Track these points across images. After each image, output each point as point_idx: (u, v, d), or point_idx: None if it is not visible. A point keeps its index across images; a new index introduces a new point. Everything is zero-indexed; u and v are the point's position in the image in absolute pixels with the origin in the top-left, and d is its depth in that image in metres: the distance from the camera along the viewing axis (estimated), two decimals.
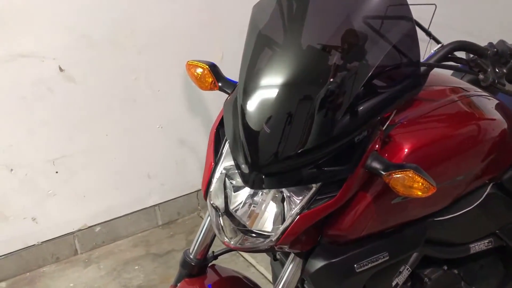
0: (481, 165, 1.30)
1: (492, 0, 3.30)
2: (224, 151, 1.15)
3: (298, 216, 1.04)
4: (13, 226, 2.33)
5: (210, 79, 1.27)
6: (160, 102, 2.52)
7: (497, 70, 1.17)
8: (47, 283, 2.35)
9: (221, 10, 2.45)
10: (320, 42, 1.08)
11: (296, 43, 1.09)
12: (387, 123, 1.16)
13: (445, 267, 1.43)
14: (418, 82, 1.07)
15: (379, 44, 1.05)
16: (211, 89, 1.28)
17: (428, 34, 1.53)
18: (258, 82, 1.05)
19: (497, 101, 1.37)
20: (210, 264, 1.39)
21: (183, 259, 1.35)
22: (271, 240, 1.08)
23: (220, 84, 1.27)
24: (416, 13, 1.68)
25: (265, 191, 1.12)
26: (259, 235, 1.11)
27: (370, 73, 1.02)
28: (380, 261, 1.18)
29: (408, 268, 1.33)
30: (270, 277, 2.12)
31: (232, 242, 1.11)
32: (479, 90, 1.38)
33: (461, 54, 1.23)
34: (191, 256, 1.33)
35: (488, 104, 1.34)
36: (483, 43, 1.25)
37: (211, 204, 1.12)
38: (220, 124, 1.19)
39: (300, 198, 1.06)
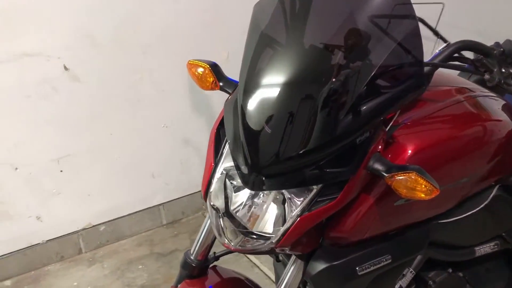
0: (487, 166, 1.28)
1: None
2: (225, 151, 1.14)
3: (299, 218, 1.03)
4: (17, 225, 2.34)
5: (211, 79, 1.25)
6: (165, 102, 2.51)
7: (503, 70, 1.15)
8: (51, 281, 2.35)
9: (225, 9, 2.44)
10: (323, 41, 1.06)
11: (298, 42, 1.08)
12: (391, 124, 1.14)
13: (450, 270, 1.41)
14: (422, 82, 1.05)
15: (382, 44, 1.03)
16: (212, 88, 1.27)
17: (436, 33, 1.51)
18: (259, 82, 1.03)
19: (503, 102, 1.35)
20: (211, 265, 1.38)
21: (184, 260, 1.34)
22: (272, 242, 1.06)
23: (221, 83, 1.25)
24: (424, 12, 1.66)
25: (265, 192, 1.11)
26: (259, 236, 1.10)
27: (373, 73, 1.00)
28: (382, 264, 1.16)
29: (411, 271, 1.31)
30: (274, 277, 2.11)
31: (232, 244, 1.10)
32: (486, 90, 1.35)
33: (468, 54, 1.21)
34: (192, 257, 1.32)
35: (495, 104, 1.32)
36: (492, 42, 1.23)
37: (211, 205, 1.11)
38: (221, 124, 1.18)
39: (301, 199, 1.04)
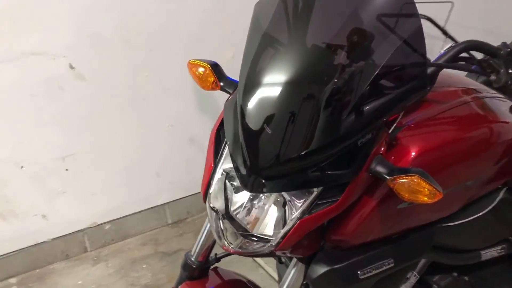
0: (493, 169, 1.25)
1: None
2: (224, 152, 1.13)
3: (299, 221, 1.01)
4: (23, 223, 2.34)
5: (212, 79, 1.24)
6: (170, 101, 2.50)
7: (510, 71, 1.12)
8: (56, 279, 2.36)
9: (232, 8, 2.43)
10: (325, 40, 1.05)
11: (300, 41, 1.06)
12: (394, 126, 1.12)
13: (455, 274, 1.39)
14: (425, 83, 1.03)
15: (385, 44, 1.01)
16: (212, 88, 1.25)
17: (444, 32, 1.49)
18: (259, 81, 1.02)
19: (511, 103, 1.32)
20: (212, 267, 1.37)
21: (184, 261, 1.33)
22: (271, 244, 1.05)
23: (221, 83, 1.24)
24: (432, 11, 1.63)
25: (266, 194, 1.09)
26: (260, 239, 1.09)
27: (375, 73, 0.98)
28: (384, 267, 1.14)
29: (415, 275, 1.30)
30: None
31: (231, 246, 1.09)
32: (493, 91, 1.33)
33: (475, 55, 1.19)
34: (193, 259, 1.31)
35: (502, 106, 1.29)
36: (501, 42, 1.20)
37: (211, 207, 1.10)
38: (221, 125, 1.17)
39: (301, 202, 1.03)
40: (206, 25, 2.42)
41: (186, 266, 1.32)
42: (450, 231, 1.26)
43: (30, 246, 2.39)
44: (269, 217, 1.10)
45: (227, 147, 1.09)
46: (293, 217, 1.02)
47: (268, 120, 0.98)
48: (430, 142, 1.11)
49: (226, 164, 1.12)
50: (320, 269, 1.13)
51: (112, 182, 2.51)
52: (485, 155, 1.20)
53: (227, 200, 1.11)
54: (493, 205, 1.32)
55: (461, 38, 1.27)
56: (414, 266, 1.29)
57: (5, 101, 2.13)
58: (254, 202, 1.11)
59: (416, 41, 0.99)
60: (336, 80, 0.98)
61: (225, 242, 1.09)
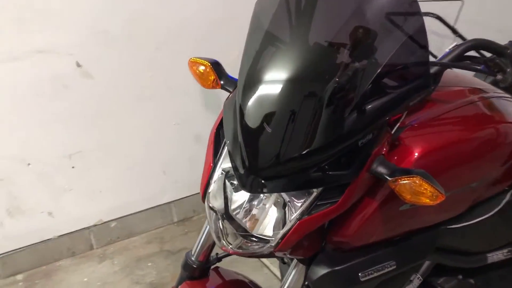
0: (499, 170, 1.23)
1: None
2: (224, 152, 1.11)
3: (298, 222, 1.00)
4: (30, 220, 2.36)
5: (212, 77, 1.23)
6: (176, 99, 2.50)
7: None
8: (62, 276, 2.37)
9: (238, 8, 2.41)
10: (327, 38, 1.03)
11: (302, 39, 1.04)
12: (397, 126, 1.10)
13: (460, 277, 1.36)
14: (428, 82, 1.00)
15: (387, 42, 0.99)
16: (213, 87, 1.24)
17: (454, 31, 1.46)
18: (259, 80, 1.00)
19: None
20: (213, 267, 1.35)
21: (185, 261, 1.32)
22: (271, 245, 1.03)
23: (222, 82, 1.23)
24: (442, 9, 1.61)
25: (266, 194, 1.08)
26: (259, 240, 1.07)
27: (377, 72, 0.96)
28: (386, 270, 1.12)
29: (419, 277, 1.27)
30: None
31: (230, 247, 1.08)
32: (500, 91, 1.30)
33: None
34: (193, 258, 1.30)
35: (509, 106, 1.27)
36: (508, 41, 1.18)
37: (209, 206, 1.09)
38: (221, 125, 1.16)
39: (300, 203, 1.01)
40: (213, 24, 2.41)
41: (186, 266, 1.31)
42: (454, 233, 1.23)
43: (36, 243, 2.40)
44: (269, 217, 1.08)
45: (227, 147, 1.08)
46: (292, 218, 1.01)
47: (268, 118, 0.96)
48: (433, 142, 1.09)
49: (225, 163, 1.11)
50: (321, 271, 1.11)
51: (118, 180, 2.51)
52: (491, 156, 1.18)
53: (226, 199, 1.09)
54: (499, 207, 1.29)
55: (470, 36, 1.24)
56: (418, 268, 1.26)
57: (12, 99, 2.15)
58: (254, 202, 1.09)
59: (419, 40, 0.97)
60: (338, 78, 0.96)
61: (224, 242, 1.08)
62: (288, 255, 1.10)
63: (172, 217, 2.70)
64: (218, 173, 1.10)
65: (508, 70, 1.09)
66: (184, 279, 1.31)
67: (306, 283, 1.17)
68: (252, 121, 0.97)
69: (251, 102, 0.99)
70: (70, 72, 2.23)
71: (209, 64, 1.23)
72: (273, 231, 1.06)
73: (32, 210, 2.35)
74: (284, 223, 1.05)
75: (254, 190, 0.99)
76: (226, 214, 1.09)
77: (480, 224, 1.27)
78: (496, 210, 1.29)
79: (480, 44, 1.10)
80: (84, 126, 2.34)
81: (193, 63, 1.25)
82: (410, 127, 1.10)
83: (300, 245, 1.09)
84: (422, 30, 0.97)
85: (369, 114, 0.98)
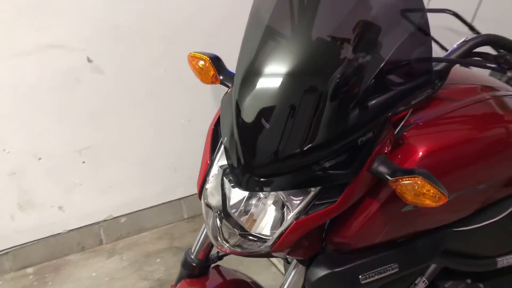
0: (510, 172, 1.18)
1: None
2: (221, 149, 1.09)
3: (295, 222, 0.97)
4: (40, 214, 2.37)
5: (212, 72, 1.20)
6: (187, 96, 2.48)
7: None
8: (71, 271, 2.38)
9: (249, 3, 2.38)
10: (329, 32, 0.99)
11: (303, 33, 1.00)
12: (402, 124, 1.07)
13: (469, 281, 1.32)
14: (431, 79, 0.96)
15: (390, 37, 0.96)
16: (212, 82, 1.22)
17: (471, 28, 1.42)
18: (258, 74, 0.97)
19: None
20: (214, 265, 1.33)
21: (184, 259, 1.30)
22: (267, 245, 1.01)
23: (221, 77, 1.20)
24: (460, 6, 1.56)
25: (265, 192, 1.05)
26: (257, 239, 1.05)
27: (379, 67, 0.93)
28: (388, 272, 1.09)
29: (424, 281, 1.24)
30: None
31: (227, 245, 1.05)
32: None
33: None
34: (192, 256, 1.29)
35: None
36: None
37: (206, 204, 1.07)
38: (219, 121, 1.13)
39: (298, 202, 0.98)
40: (224, 20, 2.39)
41: (186, 264, 1.29)
42: (462, 236, 1.19)
43: (47, 237, 2.42)
44: (268, 216, 1.06)
45: (223, 144, 1.06)
46: (289, 217, 0.98)
47: (267, 113, 0.93)
48: (439, 141, 1.05)
49: (222, 160, 1.08)
50: (320, 272, 1.08)
51: (128, 176, 2.51)
52: (500, 157, 1.13)
53: (224, 197, 1.07)
54: (510, 209, 1.25)
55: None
56: (423, 271, 1.23)
57: (23, 94, 2.16)
58: (252, 201, 1.07)
59: (422, 36, 0.93)
60: (340, 73, 0.92)
61: (221, 241, 1.06)
62: (287, 256, 1.08)
63: (182, 213, 2.69)
64: (215, 170, 1.08)
65: None
66: (184, 277, 1.30)
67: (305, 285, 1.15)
68: (249, 117, 0.94)
69: (248, 97, 0.96)
70: (81, 67, 2.23)
71: (209, 58, 1.21)
72: (271, 230, 1.04)
73: (42, 204, 2.37)
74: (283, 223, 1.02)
75: (250, 188, 0.97)
76: (224, 212, 1.07)
77: (490, 227, 1.22)
78: (506, 212, 1.24)
79: (490, 40, 1.05)
80: (95, 121, 2.34)
81: (192, 58, 1.23)
82: (415, 125, 1.07)
83: (300, 245, 1.06)
84: (425, 26, 0.93)
85: (370, 110, 0.94)
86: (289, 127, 0.92)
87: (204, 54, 1.22)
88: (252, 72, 0.98)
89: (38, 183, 2.32)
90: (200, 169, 1.11)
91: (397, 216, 1.05)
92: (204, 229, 1.29)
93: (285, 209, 1.03)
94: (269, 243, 1.00)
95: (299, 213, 0.97)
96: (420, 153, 1.02)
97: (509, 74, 1.05)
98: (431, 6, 1.77)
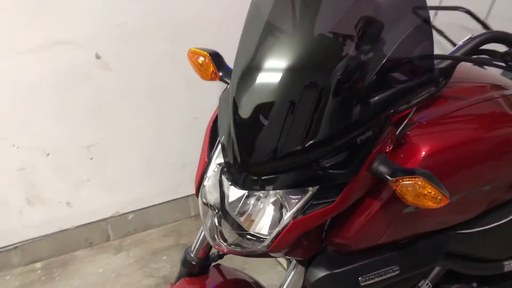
0: None
1: None
2: (219, 147, 1.07)
3: (291, 221, 0.95)
4: (48, 209, 2.38)
5: (211, 69, 1.19)
6: (195, 93, 2.47)
7: None
8: (78, 266, 2.39)
9: None
10: (330, 28, 0.97)
11: (304, 28, 0.98)
12: (405, 123, 1.04)
13: (475, 285, 1.29)
14: (433, 76, 0.93)
15: (391, 34, 0.93)
16: (211, 79, 1.20)
17: (484, 26, 1.39)
18: (257, 70, 0.95)
19: None
20: (214, 264, 1.32)
21: (184, 257, 1.29)
22: (264, 245, 0.99)
23: (220, 73, 1.19)
24: (474, 4, 1.52)
25: (264, 191, 1.03)
26: (256, 238, 1.03)
27: (380, 64, 0.90)
28: (389, 275, 1.06)
29: (428, 283, 1.21)
30: None
31: (224, 245, 1.04)
32: None
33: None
34: (192, 255, 1.27)
35: None
36: None
37: (203, 202, 1.05)
38: (217, 119, 1.12)
39: (296, 201, 0.96)
40: (231, 18, 2.37)
41: (185, 262, 1.28)
42: (467, 238, 1.16)
43: (55, 232, 2.43)
44: (267, 216, 1.04)
45: (220, 141, 1.04)
46: (286, 217, 0.96)
47: (265, 110, 0.91)
48: (442, 141, 1.02)
49: (220, 158, 1.07)
50: (319, 273, 1.06)
51: (136, 172, 2.51)
52: (506, 158, 1.10)
53: (223, 195, 1.05)
54: None
55: None
56: (427, 274, 1.20)
57: (32, 90, 2.17)
58: (251, 199, 1.05)
59: (423, 33, 0.90)
60: (342, 68, 0.90)
61: (219, 241, 1.04)
62: (285, 256, 1.06)
63: (189, 211, 2.69)
64: (212, 168, 1.06)
65: None
66: (183, 276, 1.28)
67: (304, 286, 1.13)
68: (247, 114, 0.93)
69: (246, 93, 0.94)
70: (89, 63, 2.24)
71: (209, 55, 1.19)
72: (269, 230, 1.02)
73: (51, 200, 2.38)
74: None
75: (247, 187, 0.96)
76: (222, 210, 1.05)
77: (496, 230, 1.19)
78: None
79: (497, 37, 1.02)
80: (103, 117, 2.34)
81: (192, 54, 1.22)
82: (418, 124, 1.04)
83: (299, 245, 1.04)
84: (427, 23, 0.90)
85: (371, 106, 0.92)
86: (288, 124, 0.90)
87: (204, 50, 1.21)
88: (250, 68, 0.96)
89: (46, 178, 2.34)
90: (198, 167, 1.10)
91: (398, 217, 1.03)
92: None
93: (283, 208, 1.01)
94: (266, 242, 0.99)
95: (297, 213, 0.95)
96: (423, 153, 0.99)
97: None
98: (444, 4, 1.74)
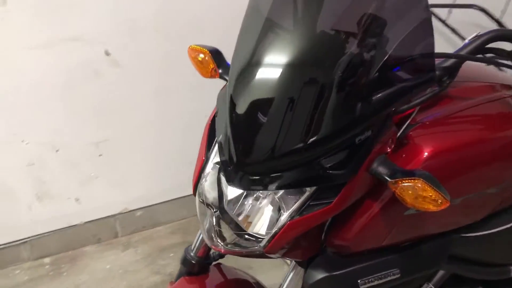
0: None
1: None
2: (217, 145, 1.06)
3: (288, 223, 0.93)
4: (57, 205, 2.40)
5: (211, 66, 1.17)
6: (205, 91, 2.46)
7: None
8: (86, 262, 2.40)
9: None
10: (331, 24, 0.95)
11: (305, 24, 0.96)
12: (407, 123, 1.01)
13: None
14: (433, 75, 0.90)
15: (393, 31, 0.91)
16: (212, 76, 1.19)
17: (500, 24, 1.35)
18: (256, 67, 0.93)
19: None
20: (215, 263, 1.31)
21: (184, 256, 1.28)
22: (260, 245, 0.98)
23: (220, 71, 1.17)
24: (489, 2, 1.48)
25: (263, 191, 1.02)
26: (256, 238, 1.02)
27: (383, 60, 0.88)
28: (389, 278, 1.04)
29: (431, 287, 1.18)
30: None
31: (222, 244, 1.03)
32: None
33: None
34: (192, 254, 1.26)
35: None
36: None
37: (200, 201, 1.04)
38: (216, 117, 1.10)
39: (293, 202, 0.95)
40: (240, 16, 2.35)
41: (185, 261, 1.27)
42: (471, 242, 1.13)
43: (63, 228, 2.44)
44: (265, 216, 1.02)
45: (218, 140, 1.03)
46: (282, 218, 0.95)
47: (263, 107, 0.89)
48: (446, 141, 0.99)
49: (218, 157, 1.05)
50: (318, 275, 1.04)
51: (145, 169, 2.52)
52: None
53: (221, 193, 1.04)
54: None
55: None
56: (431, 277, 1.17)
57: (42, 86, 2.18)
58: (250, 199, 1.03)
59: (424, 32, 0.87)
60: (343, 65, 0.88)
61: (216, 241, 1.03)
62: (284, 257, 1.04)
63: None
64: (210, 167, 1.05)
65: None
66: (183, 275, 1.27)
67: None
68: (244, 111, 0.91)
69: (244, 90, 0.92)
70: (99, 60, 2.24)
71: (209, 52, 1.17)
72: (267, 230, 1.00)
73: (60, 196, 2.39)
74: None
75: (243, 187, 0.94)
76: (221, 209, 1.03)
77: (503, 234, 1.16)
78: None
79: (503, 35, 0.99)
80: (112, 114, 2.35)
81: (192, 51, 1.20)
82: (421, 124, 1.01)
83: (297, 246, 1.03)
84: (428, 21, 0.87)
85: (372, 104, 0.89)
86: (288, 121, 0.88)
87: (204, 47, 1.19)
88: (249, 65, 0.94)
89: (55, 174, 2.35)
90: (195, 166, 1.09)
91: (399, 220, 1.00)
92: None
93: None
94: (263, 243, 0.97)
95: (293, 214, 0.93)
96: (425, 153, 0.97)
97: None
98: (458, 1, 1.70)
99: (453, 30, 1.70)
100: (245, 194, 1.04)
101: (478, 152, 1.01)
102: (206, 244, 1.27)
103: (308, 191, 0.93)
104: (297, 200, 0.94)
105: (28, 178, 2.31)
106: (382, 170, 0.90)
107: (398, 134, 1.00)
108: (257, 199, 1.03)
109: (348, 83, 0.89)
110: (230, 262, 1.37)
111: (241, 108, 0.91)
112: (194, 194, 1.07)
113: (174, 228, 2.59)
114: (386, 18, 0.91)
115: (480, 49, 1.00)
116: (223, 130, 0.97)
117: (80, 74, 2.23)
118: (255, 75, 0.92)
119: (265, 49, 0.94)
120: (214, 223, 1.04)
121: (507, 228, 1.16)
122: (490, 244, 1.16)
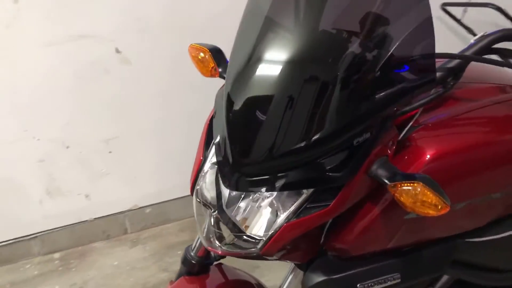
0: None
1: None
2: (215, 145, 1.05)
3: (284, 225, 0.92)
4: (68, 201, 2.42)
5: (212, 65, 1.16)
6: (215, 89, 2.45)
7: None
8: (95, 258, 2.42)
9: None
10: (334, 22, 0.93)
11: (306, 22, 0.94)
12: (410, 124, 0.99)
13: None
14: (433, 76, 0.88)
15: (395, 31, 0.88)
16: (212, 75, 1.18)
17: None
18: (255, 65, 0.91)
19: None
20: (216, 263, 1.30)
21: (184, 255, 1.27)
22: (257, 247, 0.96)
23: (220, 70, 1.16)
24: (505, 0, 1.44)
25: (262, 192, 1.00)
26: (254, 240, 1.00)
27: (384, 60, 0.86)
28: (389, 283, 1.02)
29: None
30: None
31: (219, 245, 1.02)
32: None
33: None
34: (192, 253, 1.25)
35: None
36: None
37: (198, 201, 1.03)
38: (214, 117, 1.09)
39: (289, 204, 0.93)
40: None
41: (185, 261, 1.26)
42: (476, 247, 1.10)
43: (73, 223, 2.47)
44: (263, 218, 1.01)
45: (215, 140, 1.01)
46: (279, 220, 0.93)
47: (261, 106, 0.88)
48: (449, 144, 0.97)
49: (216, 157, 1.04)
50: (316, 278, 1.03)
51: (155, 167, 2.52)
52: None
53: (219, 193, 1.03)
54: None
55: None
56: (434, 282, 1.15)
57: (53, 83, 2.20)
58: (247, 199, 1.02)
59: (424, 32, 0.85)
60: (344, 63, 0.86)
61: (214, 242, 1.02)
62: (282, 259, 1.03)
63: None
64: (207, 167, 1.04)
65: None
66: (183, 274, 1.27)
67: None
68: (241, 111, 0.89)
69: (242, 89, 0.91)
70: (109, 58, 2.25)
71: (209, 50, 1.16)
72: (264, 232, 0.99)
73: (70, 192, 2.41)
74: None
75: (239, 188, 0.93)
76: (219, 209, 1.02)
77: (509, 240, 1.12)
78: None
79: (509, 35, 0.96)
80: (122, 111, 2.36)
81: (193, 49, 1.19)
82: (424, 126, 0.99)
83: (296, 248, 1.01)
84: (428, 21, 0.85)
85: (373, 103, 0.87)
86: (288, 119, 0.86)
87: (204, 45, 1.18)
88: (248, 63, 0.93)
89: (66, 170, 2.37)
90: (193, 165, 1.08)
91: (399, 224, 0.98)
92: None
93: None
94: (259, 245, 0.96)
95: (290, 216, 0.92)
96: (428, 156, 0.94)
97: None
98: (474, 0, 1.66)
99: (468, 29, 1.66)
100: (243, 194, 1.03)
101: (482, 155, 0.98)
102: None
103: (306, 193, 0.91)
104: (294, 202, 0.92)
105: (39, 174, 2.33)
106: (381, 172, 0.88)
107: (401, 136, 0.98)
108: (255, 200, 1.02)
109: (351, 81, 0.87)
110: (233, 262, 1.36)
111: (238, 107, 0.90)
112: (192, 194, 1.06)
113: (183, 226, 2.59)
114: (388, 17, 0.89)
115: (486, 49, 0.97)
116: (221, 130, 0.96)
117: (90, 71, 2.24)
118: (255, 72, 0.91)
119: (265, 46, 0.93)
120: (212, 223, 1.02)
121: None
122: (495, 250, 1.13)
